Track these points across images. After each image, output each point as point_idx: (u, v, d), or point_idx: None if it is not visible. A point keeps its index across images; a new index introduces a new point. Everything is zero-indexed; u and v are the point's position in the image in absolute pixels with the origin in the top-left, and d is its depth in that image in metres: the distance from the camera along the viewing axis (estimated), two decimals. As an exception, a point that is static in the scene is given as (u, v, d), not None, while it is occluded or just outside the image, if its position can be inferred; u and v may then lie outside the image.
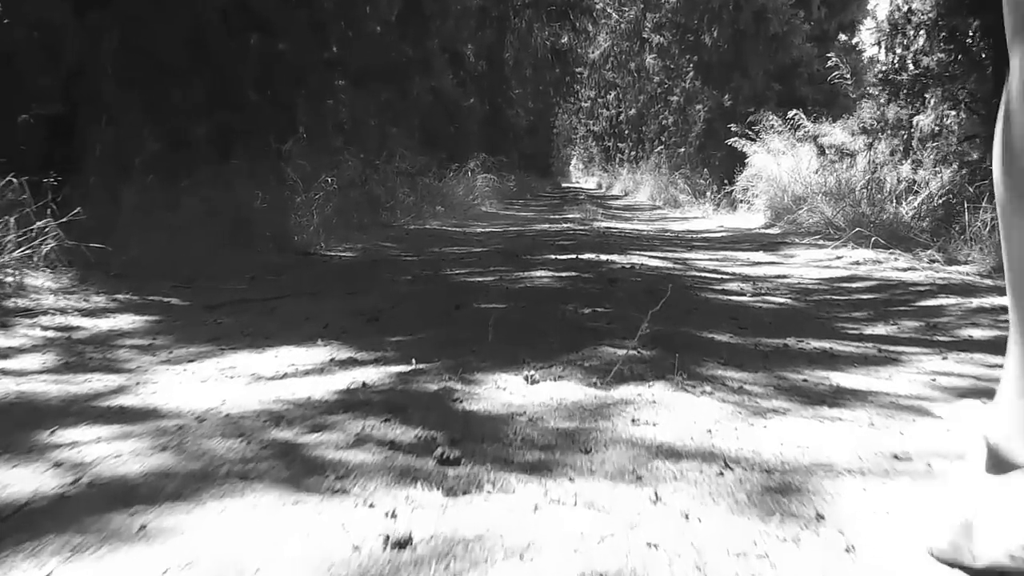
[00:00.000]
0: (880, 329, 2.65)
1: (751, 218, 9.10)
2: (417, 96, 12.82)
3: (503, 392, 1.65)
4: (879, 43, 8.42)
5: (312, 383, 1.75)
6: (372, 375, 1.80)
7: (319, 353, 2.11)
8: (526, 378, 1.73)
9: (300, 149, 6.75)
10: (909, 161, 7.25)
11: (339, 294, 3.35)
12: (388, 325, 2.52)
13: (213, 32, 6.29)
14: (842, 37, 14.26)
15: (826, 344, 2.34)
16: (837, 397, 1.75)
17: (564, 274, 3.96)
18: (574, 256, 4.83)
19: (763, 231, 7.76)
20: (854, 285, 3.83)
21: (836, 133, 8.46)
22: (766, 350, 2.23)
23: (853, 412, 1.62)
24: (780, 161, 8.99)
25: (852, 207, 6.74)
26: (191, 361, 2.06)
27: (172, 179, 4.52)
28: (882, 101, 7.90)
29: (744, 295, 3.43)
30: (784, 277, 4.12)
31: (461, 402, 1.57)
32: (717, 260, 5.00)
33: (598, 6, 22.69)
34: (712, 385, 1.74)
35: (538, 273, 4.03)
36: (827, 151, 8.50)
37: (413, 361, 1.89)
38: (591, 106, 30.63)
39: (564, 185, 30.86)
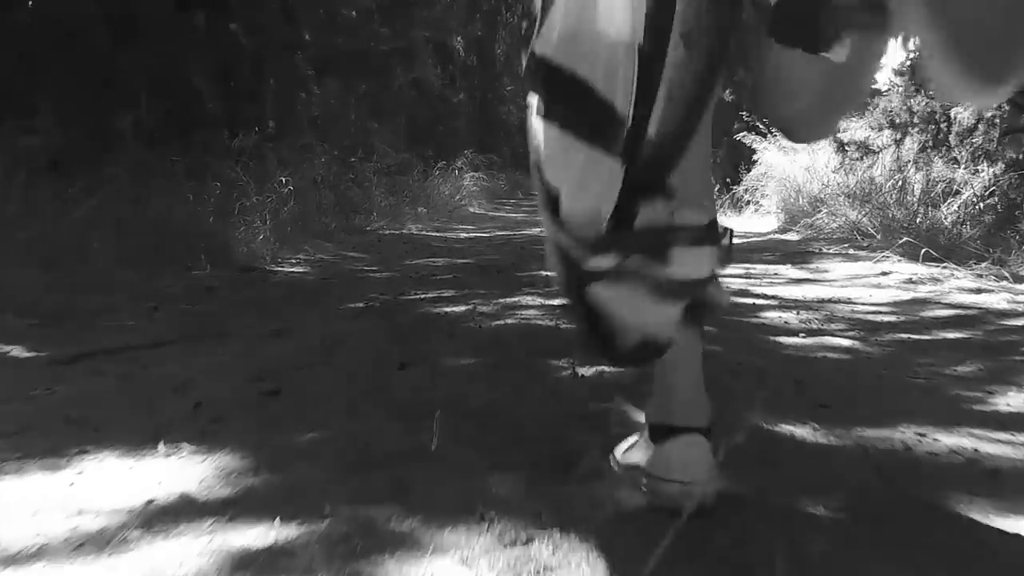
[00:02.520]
0: (1016, 399, 1.81)
1: (761, 221, 8.28)
2: (400, 89, 12.04)
3: (425, 637, 0.80)
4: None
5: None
6: (189, 564, 0.94)
7: (143, 478, 1.26)
8: (477, 586, 0.88)
9: (259, 144, 5.88)
10: (942, 158, 6.45)
11: (256, 335, 2.49)
12: (289, 406, 1.66)
13: (151, 8, 5.43)
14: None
15: (963, 441, 1.49)
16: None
17: (558, 301, 3.11)
18: (569, 273, 3.97)
19: (780, 237, 6.93)
20: (926, 315, 2.98)
21: (856, 128, 7.67)
22: (880, 459, 1.38)
23: None
24: (794, 158, 8.20)
25: (880, 210, 5.92)
26: (-78, 495, 1.21)
27: (71, 181, 3.66)
28: (911, 91, 7.10)
29: (796, 334, 2.58)
30: (831, 302, 3.28)
31: None
32: (741, 276, 4.15)
33: None
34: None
35: (523, 300, 3.17)
36: (847, 147, 7.72)
37: (277, 521, 1.03)
38: (585, 102, 29.84)
39: (557, 184, 29.98)
